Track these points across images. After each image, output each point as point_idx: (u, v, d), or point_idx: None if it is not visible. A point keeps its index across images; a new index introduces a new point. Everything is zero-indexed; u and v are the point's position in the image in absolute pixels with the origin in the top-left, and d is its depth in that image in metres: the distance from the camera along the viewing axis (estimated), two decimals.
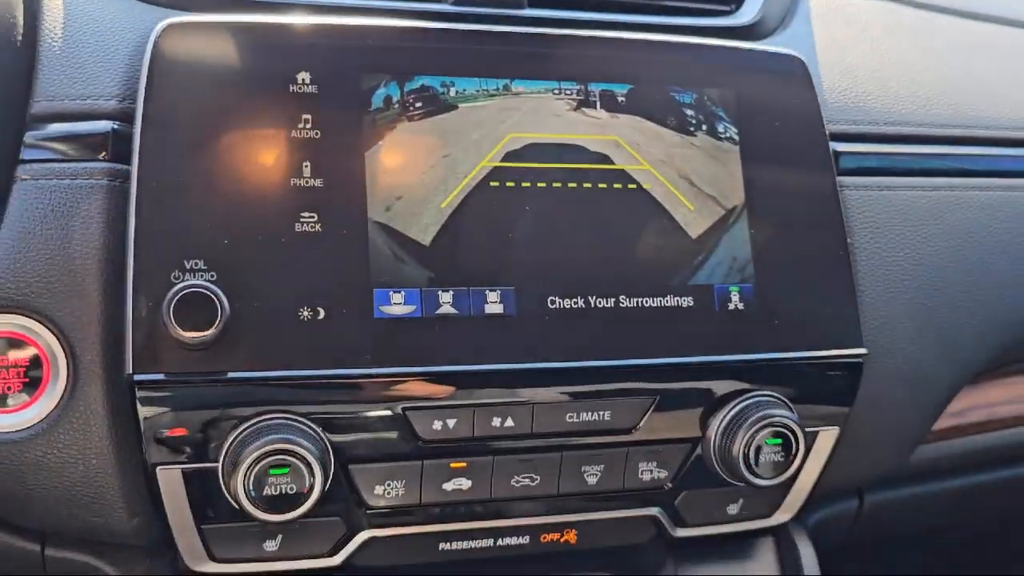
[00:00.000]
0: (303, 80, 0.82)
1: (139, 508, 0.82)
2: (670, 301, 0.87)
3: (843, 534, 1.08)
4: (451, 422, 0.82)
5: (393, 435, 0.81)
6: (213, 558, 0.83)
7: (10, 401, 0.79)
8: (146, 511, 0.82)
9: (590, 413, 0.85)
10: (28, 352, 0.79)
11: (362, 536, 0.85)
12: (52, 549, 0.88)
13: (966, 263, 1.01)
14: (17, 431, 0.79)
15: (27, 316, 0.79)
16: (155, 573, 0.87)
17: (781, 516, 0.96)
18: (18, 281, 0.78)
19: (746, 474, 0.86)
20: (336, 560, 0.85)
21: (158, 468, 0.78)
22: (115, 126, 0.82)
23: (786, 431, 0.86)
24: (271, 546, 0.83)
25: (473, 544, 0.89)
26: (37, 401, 0.80)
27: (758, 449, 0.86)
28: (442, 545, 0.89)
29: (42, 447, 0.79)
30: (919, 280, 0.99)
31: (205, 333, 0.74)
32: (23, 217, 0.79)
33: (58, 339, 0.80)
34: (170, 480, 0.78)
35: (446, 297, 0.82)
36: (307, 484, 0.76)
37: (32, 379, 0.80)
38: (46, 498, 0.81)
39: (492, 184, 0.85)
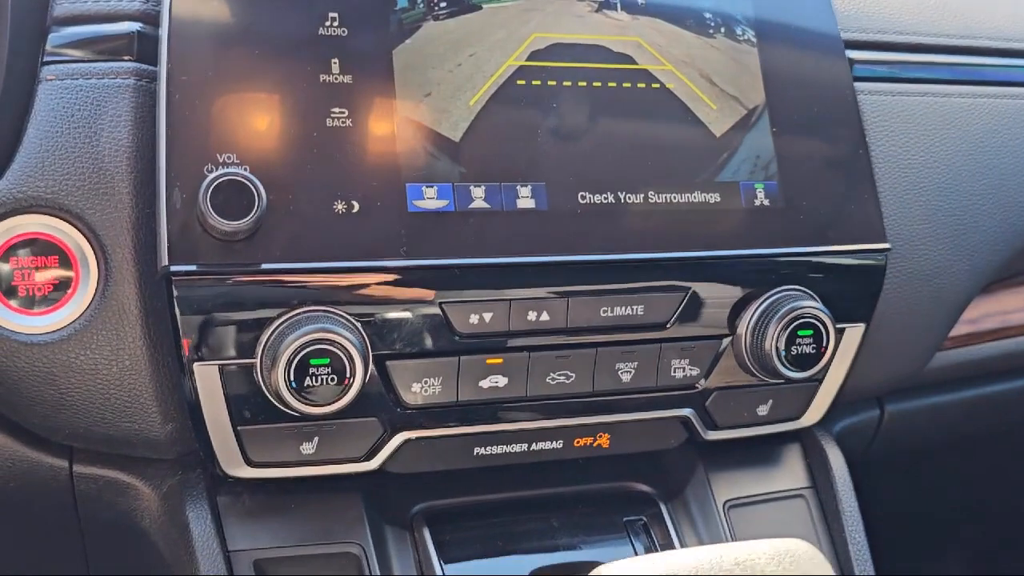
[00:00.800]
0: None
1: (173, 413, 0.81)
2: (697, 197, 0.87)
3: (866, 445, 1.09)
4: (487, 316, 0.82)
5: (430, 329, 0.81)
6: (249, 463, 0.82)
7: (40, 303, 0.78)
8: (180, 416, 0.81)
9: (623, 308, 0.85)
10: (57, 253, 0.78)
11: (398, 438, 0.84)
12: (80, 465, 0.86)
13: (978, 168, 1.03)
14: (48, 332, 0.78)
15: (56, 216, 0.78)
16: (187, 486, 0.85)
17: (810, 417, 0.96)
18: (47, 180, 0.77)
19: (778, 366, 0.87)
20: (372, 464, 0.84)
21: (195, 364, 0.77)
22: (140, 28, 0.81)
23: (816, 323, 0.87)
24: (307, 449, 0.82)
25: (507, 448, 0.89)
26: (68, 302, 0.79)
27: (789, 341, 0.86)
28: (476, 449, 0.88)
29: (74, 348, 0.78)
30: (933, 183, 1.00)
31: (242, 222, 0.73)
32: (50, 117, 0.78)
33: (88, 239, 0.78)
34: (207, 378, 0.77)
35: (478, 192, 0.82)
36: (348, 373, 0.75)
37: (62, 280, 0.78)
38: (79, 402, 0.80)
39: (518, 82, 0.85)
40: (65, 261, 0.78)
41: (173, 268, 0.74)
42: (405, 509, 0.91)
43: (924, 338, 1.03)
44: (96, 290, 0.79)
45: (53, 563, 1.00)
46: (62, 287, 0.78)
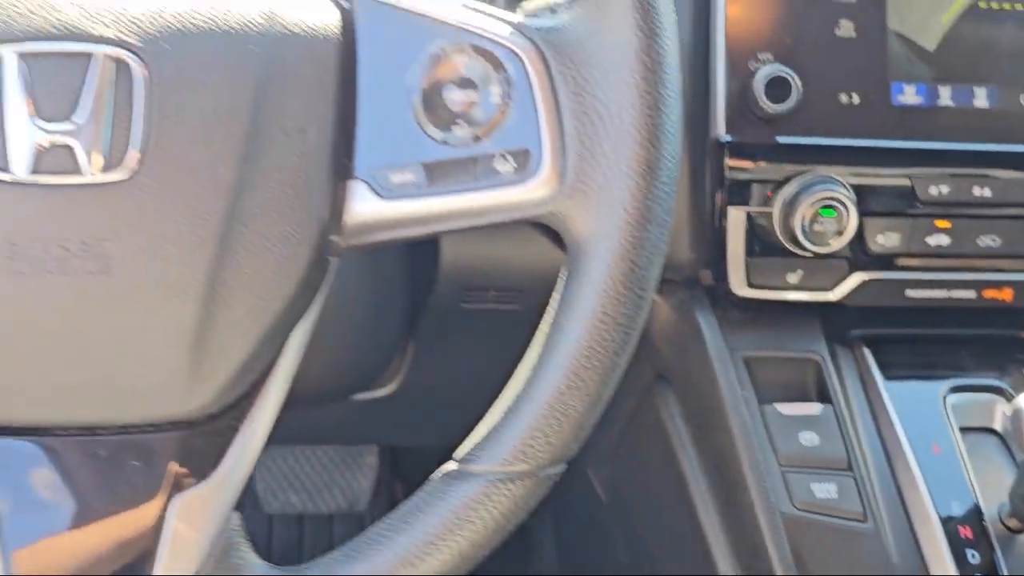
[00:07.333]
0: None
1: (698, 245, 1.11)
2: None
3: None
4: (944, 189, 1.07)
5: (900, 196, 1.07)
6: (751, 284, 1.11)
7: None
8: (702, 247, 1.11)
9: None
10: None
11: (856, 277, 1.11)
12: None
13: None
14: None
15: None
16: (696, 300, 1.15)
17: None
18: None
19: None
20: (833, 296, 1.12)
21: (729, 208, 1.06)
22: None
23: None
24: (792, 278, 1.10)
25: (929, 294, 1.14)
26: None
27: None
28: (908, 292, 1.14)
29: None
30: None
31: (783, 105, 1.01)
32: None
33: None
34: (736, 219, 1.06)
35: (945, 92, 1.06)
36: (845, 224, 1.02)
37: None
38: None
39: (980, 5, 1.08)
40: None
41: (725, 139, 1.03)
42: (847, 332, 1.18)
43: None
44: None
45: None
46: None
